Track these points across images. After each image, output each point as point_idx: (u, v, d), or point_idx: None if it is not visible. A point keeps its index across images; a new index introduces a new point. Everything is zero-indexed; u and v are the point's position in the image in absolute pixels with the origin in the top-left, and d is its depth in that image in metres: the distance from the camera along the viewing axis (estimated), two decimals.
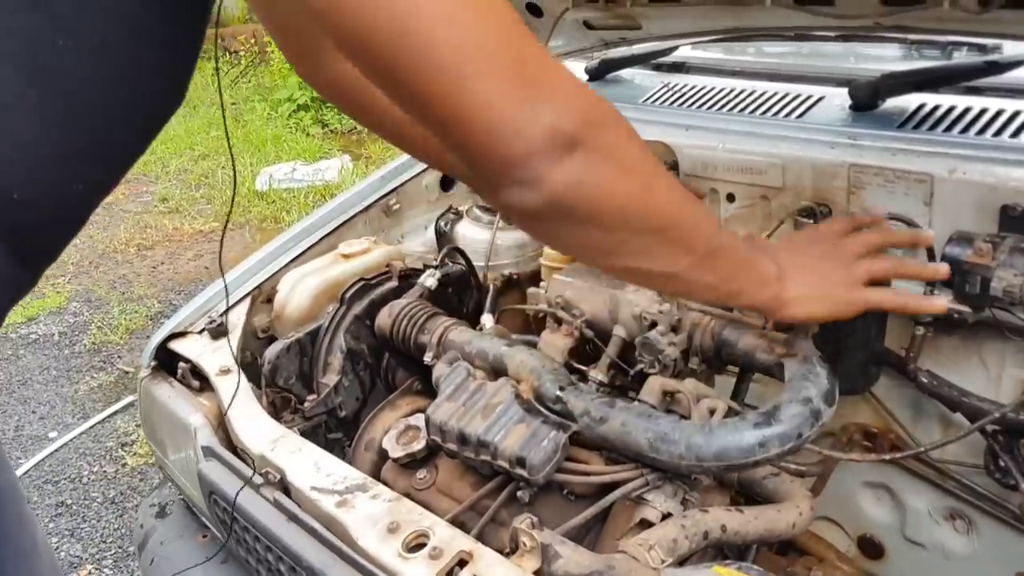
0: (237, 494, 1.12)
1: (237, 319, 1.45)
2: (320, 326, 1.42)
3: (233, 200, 1.23)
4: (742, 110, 1.46)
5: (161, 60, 0.70)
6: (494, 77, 0.62)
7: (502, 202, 0.70)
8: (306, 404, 1.36)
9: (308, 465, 1.13)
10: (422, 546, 0.96)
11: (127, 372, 3.42)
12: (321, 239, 1.56)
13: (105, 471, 2.81)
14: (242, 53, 7.95)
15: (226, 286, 1.30)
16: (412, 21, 0.59)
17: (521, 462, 1.03)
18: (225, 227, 1.37)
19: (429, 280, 1.40)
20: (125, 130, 0.76)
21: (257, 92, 7.42)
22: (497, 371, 1.20)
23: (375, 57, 0.62)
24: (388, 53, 0.60)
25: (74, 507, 2.64)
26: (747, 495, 1.12)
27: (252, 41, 8.04)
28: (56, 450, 2.95)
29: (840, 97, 1.38)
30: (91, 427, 3.07)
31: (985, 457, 1.18)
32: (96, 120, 0.72)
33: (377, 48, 0.60)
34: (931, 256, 1.15)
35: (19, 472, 2.79)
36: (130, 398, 3.18)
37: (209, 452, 1.24)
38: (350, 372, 1.40)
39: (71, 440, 2.99)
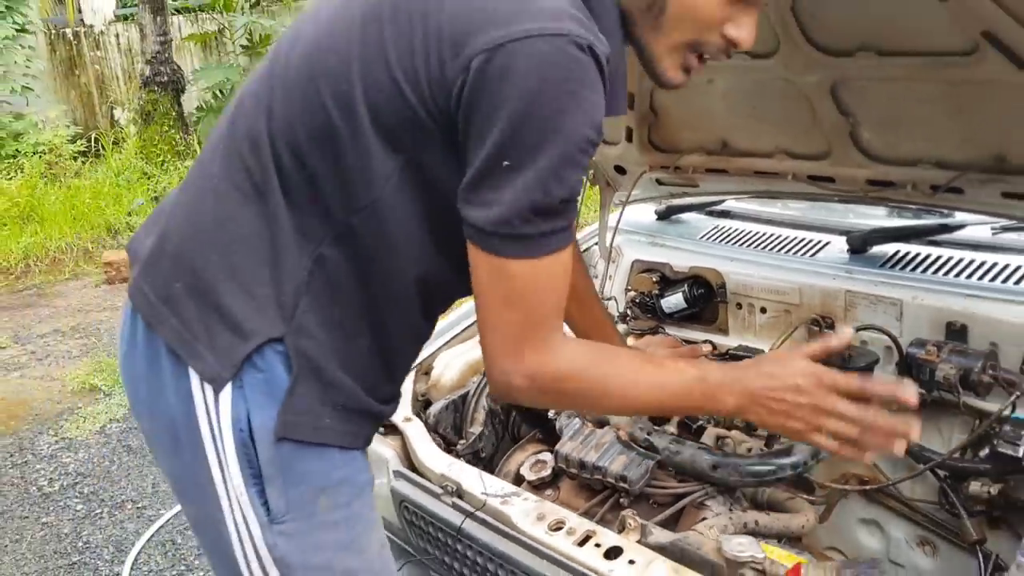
0: (462, 523, 1.60)
1: (406, 386, 2.03)
2: (467, 392, 1.99)
3: None
4: (772, 248, 2.05)
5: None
6: (504, 339, 1.09)
7: (491, 389, 1.17)
8: (459, 446, 1.91)
9: (476, 479, 1.67)
10: (561, 527, 1.49)
11: None
12: (464, 329, 2.15)
13: None
14: None
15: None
16: (491, 296, 1.08)
17: (624, 479, 1.58)
18: None
19: None
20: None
21: None
22: (601, 423, 1.75)
23: (475, 301, 1.11)
24: (476, 302, 1.10)
25: None
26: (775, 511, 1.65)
27: None
28: None
29: (840, 243, 1.97)
30: None
31: (939, 495, 1.70)
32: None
33: (476, 295, 1.10)
34: (901, 356, 1.71)
35: (161, 520, 3.34)
36: None
37: (399, 475, 1.80)
38: (489, 425, 1.96)
39: None
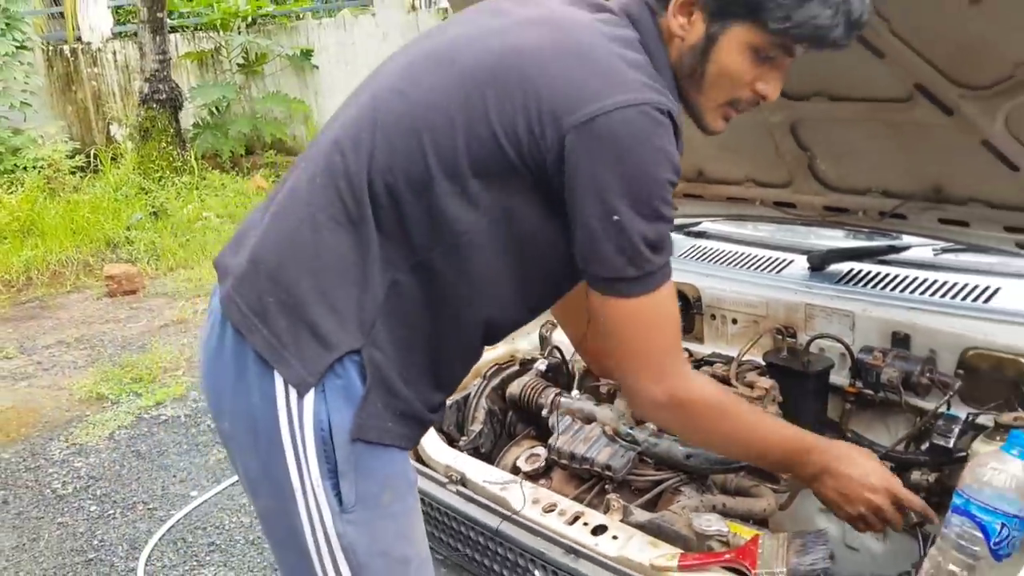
0: (499, 525, 1.76)
1: None
2: (469, 393, 2.21)
3: None
4: (742, 266, 2.28)
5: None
6: (644, 365, 1.30)
7: (631, 409, 1.47)
8: (461, 442, 2.13)
9: (478, 470, 1.88)
10: (553, 509, 1.71)
11: None
12: None
13: (243, 521, 3.53)
14: None
15: None
16: (627, 332, 1.29)
17: (609, 468, 1.80)
18: None
19: (542, 365, 2.20)
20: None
21: None
22: (589, 419, 1.97)
23: (607, 340, 1.32)
24: (612, 340, 1.31)
25: (222, 546, 3.36)
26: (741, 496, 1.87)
27: None
28: (198, 505, 3.67)
29: (802, 261, 2.20)
30: (224, 489, 3.80)
31: None
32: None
33: (608, 334, 1.31)
34: (852, 361, 1.93)
35: (173, 520, 3.53)
36: None
37: None
38: (488, 423, 2.17)
39: (210, 498, 3.72)
